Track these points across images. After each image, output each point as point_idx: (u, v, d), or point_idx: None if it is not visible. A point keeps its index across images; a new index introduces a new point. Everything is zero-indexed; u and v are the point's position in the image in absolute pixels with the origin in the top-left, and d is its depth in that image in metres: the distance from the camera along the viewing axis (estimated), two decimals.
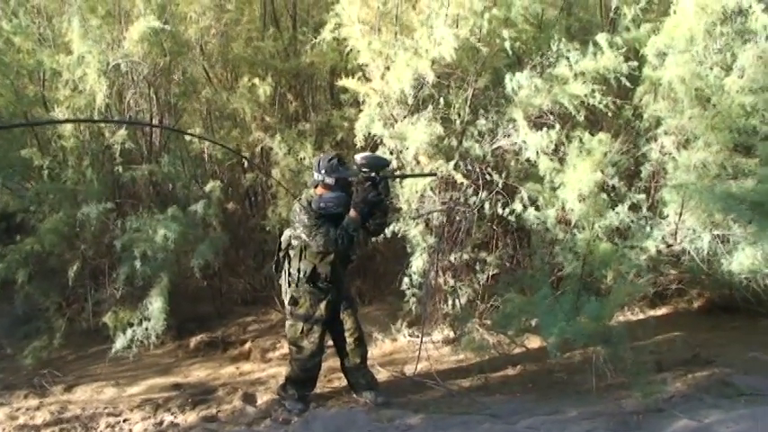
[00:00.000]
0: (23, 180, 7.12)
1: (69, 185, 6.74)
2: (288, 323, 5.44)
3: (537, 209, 6.03)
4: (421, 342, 6.19)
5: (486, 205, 6.16)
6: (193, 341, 7.03)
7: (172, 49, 7.03)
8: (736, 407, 4.90)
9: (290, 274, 5.34)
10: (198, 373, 6.48)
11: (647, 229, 5.78)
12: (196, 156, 7.65)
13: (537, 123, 6.02)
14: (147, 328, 6.17)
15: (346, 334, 5.48)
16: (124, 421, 5.41)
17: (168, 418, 5.44)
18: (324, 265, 5.26)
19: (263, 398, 5.77)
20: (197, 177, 7.37)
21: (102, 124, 6.79)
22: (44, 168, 6.64)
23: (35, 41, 6.91)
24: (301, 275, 5.27)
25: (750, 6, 5.55)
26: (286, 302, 5.44)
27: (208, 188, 6.81)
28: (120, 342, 6.15)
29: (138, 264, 6.27)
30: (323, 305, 5.33)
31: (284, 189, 6.72)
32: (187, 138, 7.10)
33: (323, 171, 5.17)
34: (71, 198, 6.74)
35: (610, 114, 5.92)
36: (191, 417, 5.43)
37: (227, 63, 7.64)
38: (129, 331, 6.18)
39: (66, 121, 6.70)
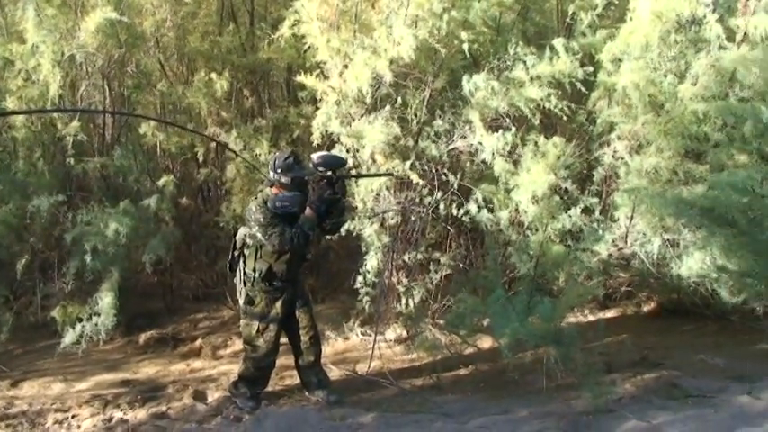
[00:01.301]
0: None
1: (20, 177, 6.63)
2: (243, 322, 5.40)
3: (491, 210, 6.08)
4: (374, 341, 6.20)
5: (441, 205, 6.19)
6: (143, 337, 6.97)
7: (127, 41, 6.95)
8: (684, 408, 4.99)
9: (245, 273, 5.29)
10: (147, 369, 6.41)
11: (599, 232, 5.86)
12: (149, 149, 7.57)
13: (493, 125, 6.06)
14: (96, 324, 6.11)
15: (301, 332, 5.44)
16: (72, 417, 5.33)
17: (117, 414, 5.37)
18: (279, 264, 5.22)
19: (213, 395, 5.72)
20: (149, 171, 7.29)
21: (56, 117, 6.69)
22: None
23: None
24: (257, 275, 5.22)
25: (704, 16, 5.67)
26: (241, 302, 5.39)
27: (161, 182, 6.77)
28: (68, 337, 6.08)
29: (88, 258, 6.20)
30: (278, 304, 5.30)
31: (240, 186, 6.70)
32: (141, 130, 6.99)
33: (279, 170, 5.09)
34: (21, 190, 6.61)
35: (564, 118, 5.98)
36: (140, 413, 5.37)
37: (182, 57, 7.59)
38: (78, 326, 6.11)
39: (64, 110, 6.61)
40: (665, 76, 5.83)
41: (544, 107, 5.88)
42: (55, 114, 6.69)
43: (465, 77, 5.98)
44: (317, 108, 6.23)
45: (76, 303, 6.40)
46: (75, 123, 6.55)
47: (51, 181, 6.68)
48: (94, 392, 5.83)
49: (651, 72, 5.83)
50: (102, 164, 6.90)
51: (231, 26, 7.40)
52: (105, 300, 6.15)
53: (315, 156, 5.11)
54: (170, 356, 6.73)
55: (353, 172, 6.02)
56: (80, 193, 7.07)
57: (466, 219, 6.11)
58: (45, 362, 6.44)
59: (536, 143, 5.87)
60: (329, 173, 5.07)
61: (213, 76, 6.85)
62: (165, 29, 7.31)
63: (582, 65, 5.87)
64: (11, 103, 6.48)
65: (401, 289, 6.43)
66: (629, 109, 6.00)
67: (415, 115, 6.22)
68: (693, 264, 5.53)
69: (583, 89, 5.96)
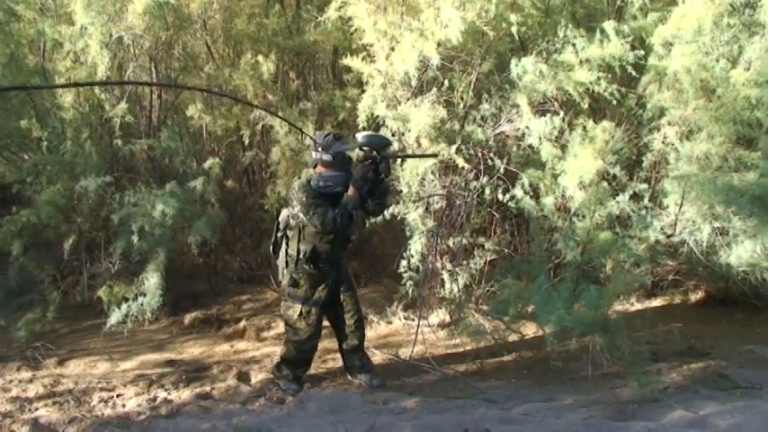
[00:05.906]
0: (21, 151, 7.08)
1: (67, 158, 6.70)
2: (284, 304, 5.41)
3: (536, 196, 6.01)
4: (417, 325, 6.17)
5: (487, 190, 6.14)
6: (188, 318, 7.04)
7: (174, 23, 6.96)
8: (732, 399, 4.89)
9: (288, 254, 5.30)
10: (192, 350, 6.48)
11: (648, 219, 5.77)
12: (195, 132, 7.61)
13: (540, 109, 6.00)
14: (142, 304, 6.15)
15: (346, 316, 5.44)
16: (117, 396, 5.38)
17: (162, 394, 5.42)
18: (323, 244, 5.21)
19: (257, 377, 5.75)
20: (195, 153, 7.32)
21: (104, 98, 6.74)
22: (42, 140, 6.60)
23: (37, 11, 6.86)
24: (301, 256, 5.21)
25: None
26: (284, 283, 5.39)
27: (207, 165, 6.79)
28: (114, 317, 6.12)
29: (134, 238, 6.24)
30: (321, 288, 5.30)
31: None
32: (187, 113, 7.01)
33: (320, 148, 5.09)
34: (69, 170, 6.70)
35: (614, 103, 5.88)
36: (184, 393, 5.41)
37: (229, 39, 7.59)
38: (124, 306, 6.15)
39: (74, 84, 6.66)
40: (718, 60, 5.70)
41: (593, 91, 5.80)
42: (102, 96, 6.74)
43: (513, 60, 5.92)
44: (363, 91, 6.21)
45: (123, 284, 6.45)
46: (123, 105, 6.60)
47: (99, 162, 6.74)
48: (139, 372, 5.90)
49: (703, 56, 5.71)
50: (149, 145, 6.95)
51: (277, 8, 7.40)
52: (151, 280, 6.19)
53: (359, 135, 5.11)
54: (214, 337, 6.79)
55: (398, 153, 5.99)
56: (127, 175, 7.14)
57: (511, 204, 6.05)
58: (91, 341, 6.54)
59: (584, 128, 5.79)
60: (374, 153, 5.05)
61: (259, 58, 6.85)
62: (211, 11, 7.33)
63: (632, 48, 5.77)
64: None
65: (445, 274, 6.38)
66: (680, 94, 5.88)
67: (462, 99, 6.18)
68: (743, 252, 5.43)
69: (633, 73, 5.86)
